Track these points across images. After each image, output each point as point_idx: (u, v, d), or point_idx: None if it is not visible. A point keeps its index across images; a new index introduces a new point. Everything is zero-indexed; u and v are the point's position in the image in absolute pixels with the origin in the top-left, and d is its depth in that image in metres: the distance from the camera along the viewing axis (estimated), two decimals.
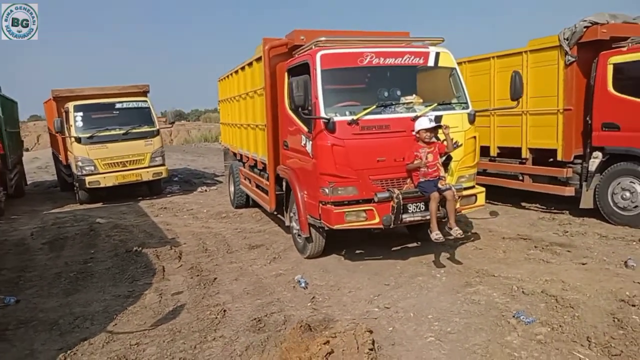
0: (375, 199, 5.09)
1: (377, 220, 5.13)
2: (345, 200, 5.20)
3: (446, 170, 5.48)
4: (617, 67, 6.80)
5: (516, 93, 5.59)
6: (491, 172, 8.94)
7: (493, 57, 8.40)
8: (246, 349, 3.75)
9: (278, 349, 3.67)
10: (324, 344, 3.66)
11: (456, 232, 5.14)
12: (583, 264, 5.38)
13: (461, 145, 5.50)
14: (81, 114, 10.82)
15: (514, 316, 4.09)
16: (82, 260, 6.56)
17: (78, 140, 10.62)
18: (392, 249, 6.32)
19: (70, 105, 10.86)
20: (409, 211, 5.22)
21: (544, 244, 6.20)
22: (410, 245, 6.48)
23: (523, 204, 8.61)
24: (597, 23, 6.79)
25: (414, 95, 5.53)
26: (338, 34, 6.14)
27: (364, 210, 5.12)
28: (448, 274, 5.31)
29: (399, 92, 5.55)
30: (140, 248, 6.84)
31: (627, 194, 6.79)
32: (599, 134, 7.05)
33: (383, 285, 5.08)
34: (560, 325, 3.90)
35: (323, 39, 5.45)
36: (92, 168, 10.73)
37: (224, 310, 4.56)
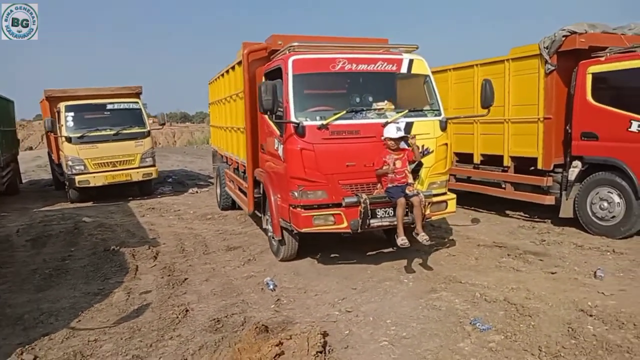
0: (343, 204, 5.13)
1: (345, 224, 5.17)
2: (315, 204, 5.24)
3: (416, 176, 5.52)
4: (596, 77, 6.82)
5: (486, 101, 5.63)
6: (475, 179, 8.99)
7: (477, 65, 8.44)
8: (199, 349, 3.79)
9: (231, 350, 3.71)
10: (276, 345, 3.71)
11: (423, 238, 5.16)
12: (552, 273, 5.39)
13: (432, 152, 5.54)
14: (72, 114, 10.93)
15: (470, 323, 4.11)
16: (60, 257, 6.63)
17: (69, 139, 10.73)
18: (367, 253, 6.35)
19: (62, 106, 10.98)
20: (378, 216, 5.26)
21: (518, 252, 6.20)
22: (385, 250, 6.50)
23: (507, 212, 8.61)
24: (575, 32, 6.81)
25: (385, 102, 5.57)
26: (313, 39, 6.19)
27: (332, 215, 5.16)
28: (416, 279, 5.33)
29: (370, 98, 5.60)
30: (118, 247, 6.91)
31: (605, 204, 6.79)
32: (578, 143, 7.06)
33: (350, 289, 5.11)
34: (514, 334, 3.91)
35: (296, 44, 5.51)
36: (82, 167, 10.83)
37: (187, 310, 4.60)
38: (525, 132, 7.66)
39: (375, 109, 5.47)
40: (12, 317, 4.60)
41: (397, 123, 5.25)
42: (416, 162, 5.39)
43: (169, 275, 5.68)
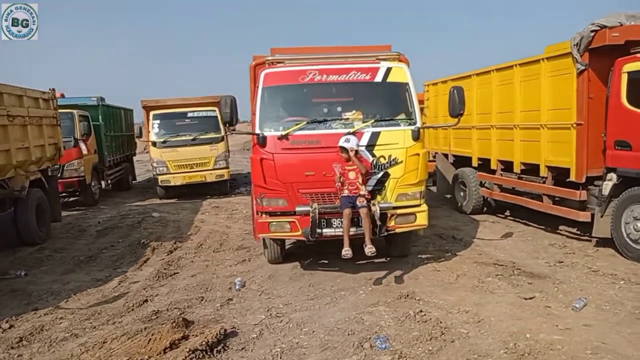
0: (296, 212, 5.29)
1: (299, 232, 5.32)
2: (278, 211, 5.47)
3: (383, 187, 5.41)
4: (632, 77, 5.87)
5: (454, 109, 5.29)
6: (520, 190, 8.25)
7: (516, 65, 7.74)
8: (122, 335, 4.32)
9: (142, 338, 4.18)
10: (180, 339, 4.11)
11: (368, 250, 5.07)
12: (527, 299, 4.88)
13: (401, 162, 5.38)
14: (158, 121, 12.52)
15: (374, 340, 4.02)
16: (104, 247, 7.81)
17: (154, 144, 12.33)
18: (356, 262, 6.34)
19: (150, 114, 12.64)
20: (333, 226, 5.30)
21: (513, 272, 5.68)
22: (377, 260, 6.40)
23: (561, 227, 7.74)
24: (605, 26, 5.94)
25: (353, 112, 5.56)
26: (309, 50, 6.35)
27: (288, 222, 5.34)
28: (372, 292, 5.25)
29: (339, 108, 5.63)
30: (148, 241, 7.88)
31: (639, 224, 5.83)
32: (612, 152, 6.15)
33: (304, 295, 5.24)
34: (404, 357, 3.74)
35: (270, 58, 5.79)
36: (165, 169, 12.36)
37: (145, 301, 5.21)
38: (560, 140, 6.87)
39: (340, 119, 5.50)
40: (26, 292, 5.67)
41: (349, 134, 5.21)
42: (370, 174, 5.29)
43: (165, 269, 6.38)
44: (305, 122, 5.39)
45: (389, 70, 5.62)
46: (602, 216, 6.33)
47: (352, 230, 5.25)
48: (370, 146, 5.35)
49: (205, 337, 4.05)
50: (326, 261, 6.44)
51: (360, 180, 5.18)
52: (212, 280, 5.93)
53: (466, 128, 9.30)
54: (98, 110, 13.28)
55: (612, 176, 6.16)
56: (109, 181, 13.89)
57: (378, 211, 5.17)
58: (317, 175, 5.31)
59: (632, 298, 4.77)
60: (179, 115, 12.73)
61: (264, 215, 5.52)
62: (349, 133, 5.28)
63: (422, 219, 5.45)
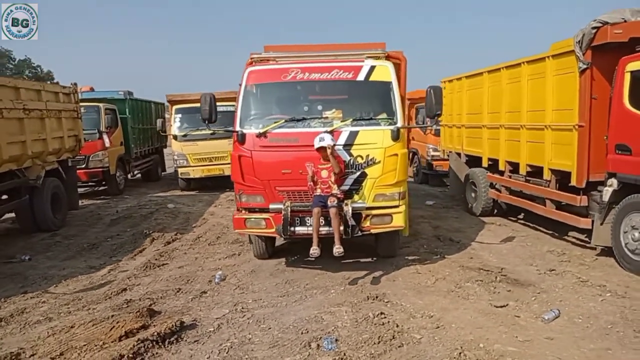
0: (270, 209, 5.33)
1: (274, 229, 5.36)
2: (256, 208, 5.54)
3: (360, 187, 5.36)
4: (636, 76, 5.52)
5: (430, 110, 5.16)
6: (527, 193, 7.94)
7: (524, 63, 7.42)
8: (91, 320, 4.52)
9: (108, 324, 4.36)
10: (139, 327, 4.27)
11: (336, 250, 5.05)
12: (498, 307, 4.72)
13: (378, 162, 5.31)
14: (180, 115, 12.88)
15: (322, 340, 4.01)
16: (110, 236, 8.15)
17: (175, 137, 12.68)
18: (342, 261, 6.32)
19: (173, 108, 13.01)
20: (307, 224, 5.30)
21: (497, 279, 5.49)
22: (363, 260, 6.38)
23: (571, 233, 7.41)
24: (607, 23, 5.59)
25: (333, 110, 5.52)
26: (299, 48, 6.35)
27: (264, 219, 5.40)
28: (343, 292, 5.22)
29: (320, 107, 5.61)
30: (151, 231, 8.16)
31: (637, 234, 5.50)
32: (613, 157, 5.81)
33: (277, 292, 5.29)
34: (348, 359, 3.73)
35: (255, 56, 5.84)
36: (185, 162, 12.72)
37: (124, 289, 5.42)
38: (562, 142, 6.56)
39: (319, 118, 5.48)
40: (23, 276, 6.03)
41: (322, 134, 5.18)
42: (345, 173, 5.24)
43: (156, 260, 6.60)
44: (283, 120, 5.42)
45: (372, 68, 5.54)
46: (601, 223, 6.01)
47: (325, 229, 5.24)
48: (347, 145, 5.31)
49: (159, 328, 4.19)
50: (313, 258, 6.44)
51: (332, 179, 5.16)
52: (197, 272, 6.08)
53: (477, 127, 9.05)
54: (125, 103, 13.79)
55: (613, 182, 5.82)
56: (136, 172, 14.43)
57: (350, 211, 5.14)
58: (293, 173, 5.33)
59: (609, 312, 4.52)
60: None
61: (243, 211, 5.60)
62: (325, 132, 5.25)
63: (398, 220, 5.35)
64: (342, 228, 5.20)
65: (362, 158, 5.30)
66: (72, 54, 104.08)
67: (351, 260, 6.34)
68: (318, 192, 5.19)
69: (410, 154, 15.13)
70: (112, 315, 4.62)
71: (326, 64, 5.61)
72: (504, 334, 4.14)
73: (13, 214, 8.55)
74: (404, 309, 4.72)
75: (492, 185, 8.78)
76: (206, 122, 5.58)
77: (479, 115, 9.00)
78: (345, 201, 5.22)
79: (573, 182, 6.30)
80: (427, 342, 4.00)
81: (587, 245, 6.70)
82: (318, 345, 3.95)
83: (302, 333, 4.21)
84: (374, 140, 5.31)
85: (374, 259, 6.37)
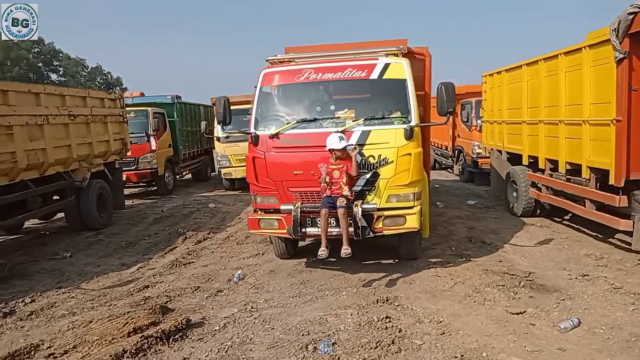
0: (281, 210, 5.35)
1: (286, 230, 5.38)
2: (271, 209, 5.59)
3: (372, 188, 5.26)
4: None
5: (442, 107, 4.95)
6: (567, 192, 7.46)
7: (561, 54, 6.97)
8: (109, 316, 4.75)
9: (122, 319, 4.57)
10: (149, 324, 4.44)
11: (344, 251, 4.98)
12: (514, 314, 4.48)
13: (391, 162, 5.19)
14: None
15: (319, 343, 3.98)
16: (149, 234, 8.53)
17: (218, 139, 13.07)
18: (363, 262, 6.26)
19: (215, 110, 13.40)
20: (318, 225, 5.26)
21: (521, 284, 5.21)
22: (384, 261, 6.27)
23: (618, 235, 6.90)
24: None
25: (345, 110, 5.45)
26: (313, 49, 6.32)
27: (277, 220, 5.43)
28: (355, 293, 5.15)
29: (333, 107, 5.56)
30: (186, 230, 8.46)
31: None
32: None
33: (290, 292, 5.31)
34: None
35: (271, 57, 5.87)
36: (227, 162, 13.07)
37: (147, 287, 5.66)
38: (600, 137, 6.10)
39: (331, 118, 5.44)
40: (62, 272, 6.44)
41: (338, 133, 5.13)
42: (358, 174, 5.16)
43: (183, 258, 6.83)
44: (295, 122, 5.43)
45: (386, 66, 5.43)
46: None
47: (335, 230, 5.19)
48: (359, 145, 5.23)
49: (166, 326, 4.34)
50: (334, 259, 6.41)
51: (344, 180, 5.10)
52: (219, 271, 6.23)
53: (517, 123, 8.62)
54: (173, 107, 14.37)
55: None
56: (184, 173, 15.02)
57: (359, 212, 5.06)
58: (305, 174, 5.32)
59: (637, 323, 4.15)
60: (241, 111, 13.25)
61: (258, 212, 5.67)
62: (336, 132, 5.20)
63: (412, 222, 5.19)
64: (351, 229, 5.13)
65: (374, 158, 5.20)
66: (139, 59, 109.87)
67: (372, 262, 6.26)
68: (328, 193, 5.14)
69: (456, 152, 14.71)
70: (128, 312, 4.82)
71: (339, 63, 5.56)
72: (512, 342, 3.91)
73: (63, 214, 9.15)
74: (413, 313, 4.59)
75: (534, 184, 8.33)
76: (221, 124, 5.69)
77: (518, 110, 8.57)
78: (355, 202, 5.14)
79: (611, 181, 5.83)
80: (427, 348, 3.87)
81: (633, 249, 6.20)
82: (315, 347, 3.93)
83: (302, 335, 4.20)
84: (387, 140, 5.19)
85: (396, 260, 6.24)
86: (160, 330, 4.20)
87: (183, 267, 6.45)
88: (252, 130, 5.59)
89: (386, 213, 5.21)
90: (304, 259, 6.48)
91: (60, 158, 8.12)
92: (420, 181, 5.34)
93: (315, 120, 5.43)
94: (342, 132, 5.20)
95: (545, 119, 7.52)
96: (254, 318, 4.64)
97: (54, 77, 61.78)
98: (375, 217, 5.19)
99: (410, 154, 5.17)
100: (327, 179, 5.11)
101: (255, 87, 5.75)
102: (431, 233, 7.68)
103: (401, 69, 5.40)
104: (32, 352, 4.09)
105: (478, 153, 12.64)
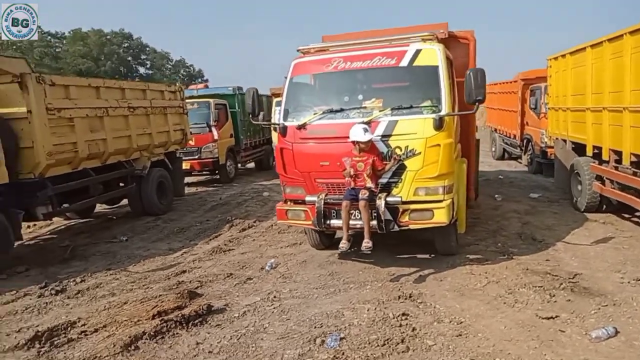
0: (306, 201, 5.34)
1: (311, 221, 5.36)
2: (299, 199, 5.61)
3: (399, 180, 5.09)
4: None
5: (470, 95, 4.64)
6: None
7: (626, 34, 6.26)
8: (142, 298, 5.04)
9: (152, 303, 4.83)
10: (175, 308, 4.67)
11: (364, 245, 4.86)
12: (544, 318, 4.16)
13: (419, 154, 4.98)
14: (279, 108, 13.38)
15: (327, 336, 3.96)
16: (201, 221, 8.90)
17: (275, 129, 13.26)
18: (397, 255, 6.12)
19: (274, 101, 13.63)
20: (351, 217, 5.18)
21: (562, 286, 4.83)
22: (419, 255, 6.09)
23: None
24: None
25: (373, 99, 5.29)
26: (350, 37, 6.19)
27: (303, 211, 5.42)
28: (380, 288, 5.03)
29: (361, 96, 5.41)
30: (232, 218, 8.73)
31: None
32: None
33: (316, 283, 5.31)
34: (343, 359, 3.63)
35: (303, 47, 5.83)
36: None
37: (184, 271, 5.93)
38: None
39: (359, 108, 5.30)
40: (115, 254, 6.92)
41: (362, 125, 4.99)
42: (383, 165, 5.00)
43: (225, 245, 7.06)
44: (321, 112, 5.37)
45: (417, 52, 5.19)
46: None
47: (359, 223, 5.09)
48: (385, 136, 5.07)
49: (188, 310, 4.52)
50: (369, 251, 6.32)
51: (368, 172, 4.98)
52: (255, 259, 6.37)
53: (581, 110, 7.92)
54: (235, 98, 14.80)
55: None
56: (246, 162, 15.50)
57: (382, 205, 4.91)
58: (331, 165, 5.26)
59: None
60: None
61: (288, 203, 5.70)
62: (362, 123, 5.08)
63: (440, 216, 4.96)
64: (374, 222, 5.01)
65: (401, 149, 5.01)
66: (218, 51, 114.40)
67: (407, 256, 6.10)
68: (352, 185, 5.05)
69: (524, 141, 13.83)
70: (160, 295, 5.09)
71: (369, 51, 5.40)
72: (532, 349, 3.64)
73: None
74: (434, 312, 4.41)
75: (599, 177, 7.63)
76: (250, 116, 5.77)
77: (582, 96, 7.85)
78: (379, 194, 5.00)
79: None
80: (438, 350, 3.71)
81: None
82: (322, 341, 3.91)
83: (315, 327, 4.20)
84: (414, 130, 4.99)
85: (432, 256, 6.02)
86: (181, 315, 4.40)
87: (222, 254, 6.67)
88: (280, 120, 5.60)
89: (412, 207, 5.02)
90: (336, 249, 6.43)
91: (121, 148, 8.68)
92: (450, 174, 5.08)
93: (341, 110, 5.33)
94: (368, 123, 5.07)
95: (610, 105, 6.83)
96: (274, 307, 4.70)
97: (141, 70, 66.12)
98: (401, 210, 5.03)
99: (439, 145, 4.93)
100: (352, 172, 5.01)
101: (286, 77, 5.75)
102: (480, 228, 7.38)
103: (433, 55, 5.14)
104: (69, 328, 4.44)
105: (547, 142, 11.80)
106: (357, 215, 5.13)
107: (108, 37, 60.54)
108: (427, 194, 5.05)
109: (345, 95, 5.52)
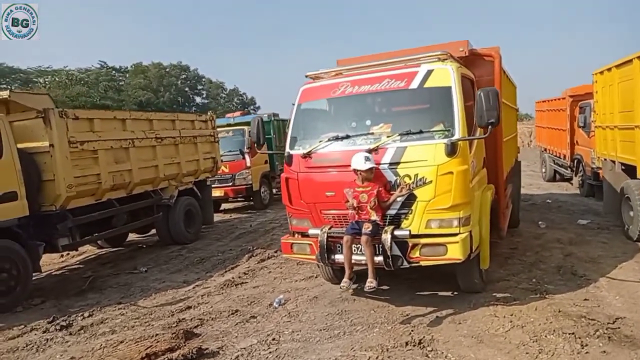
0: (309, 234, 4.99)
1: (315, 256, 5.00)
2: (306, 232, 5.28)
3: (409, 211, 4.65)
4: None
5: (481, 118, 4.18)
6: None
7: None
8: (139, 337, 4.85)
9: (147, 342, 4.63)
10: (167, 349, 4.43)
11: (368, 285, 4.42)
12: None
13: (430, 182, 4.53)
14: None
15: None
16: (224, 250, 8.75)
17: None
18: (417, 292, 5.63)
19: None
20: (354, 252, 4.78)
21: (598, 332, 4.19)
22: (441, 293, 5.56)
23: None
24: None
25: (381, 125, 4.91)
26: (365, 59, 5.86)
27: (308, 244, 5.08)
28: (388, 331, 4.55)
29: (368, 122, 5.04)
30: (254, 247, 8.50)
31: None
32: None
33: (321, 324, 4.92)
34: None
35: (311, 73, 5.58)
36: None
37: (189, 307, 5.71)
38: None
39: (366, 134, 4.95)
40: (130, 287, 6.85)
41: (364, 152, 4.63)
42: (389, 196, 4.59)
43: (239, 278, 6.82)
44: (327, 139, 5.06)
45: (428, 73, 4.80)
46: None
47: (363, 259, 4.68)
48: (393, 164, 4.68)
49: (175, 355, 4.27)
50: (387, 287, 5.88)
51: (372, 204, 4.59)
52: (266, 294, 6.07)
53: (629, 128, 7.16)
54: (270, 125, 14.78)
55: None
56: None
57: (389, 239, 4.49)
58: (337, 196, 4.91)
59: None
60: None
61: (296, 235, 5.39)
62: (368, 150, 4.72)
63: (455, 252, 4.45)
64: (380, 258, 4.58)
65: (410, 178, 4.59)
66: (268, 79, 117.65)
67: (426, 293, 5.59)
68: (357, 217, 4.67)
69: (575, 161, 12.85)
70: (157, 335, 4.88)
71: (377, 74, 5.07)
72: None
73: None
74: None
75: None
76: (255, 145, 5.54)
77: (631, 113, 7.10)
78: (385, 228, 4.59)
79: None
80: None
81: None
82: None
83: None
84: (424, 157, 4.56)
85: (455, 293, 5.48)
86: (168, 359, 4.14)
87: (234, 288, 6.42)
88: (287, 149, 5.34)
89: (423, 241, 4.55)
90: (356, 284, 6.01)
91: (148, 178, 8.75)
92: (466, 204, 4.58)
93: (347, 137, 4.99)
94: (375, 149, 4.70)
95: None
96: (270, 352, 4.36)
97: (198, 99, 68.85)
98: (411, 244, 4.57)
99: (452, 173, 4.47)
100: (355, 204, 4.65)
101: (293, 104, 5.51)
102: (516, 260, 6.75)
103: (446, 75, 4.73)
104: None
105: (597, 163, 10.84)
106: (363, 250, 4.72)
107: (167, 69, 63.70)
108: (440, 227, 4.58)
109: (353, 121, 5.19)
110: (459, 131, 4.55)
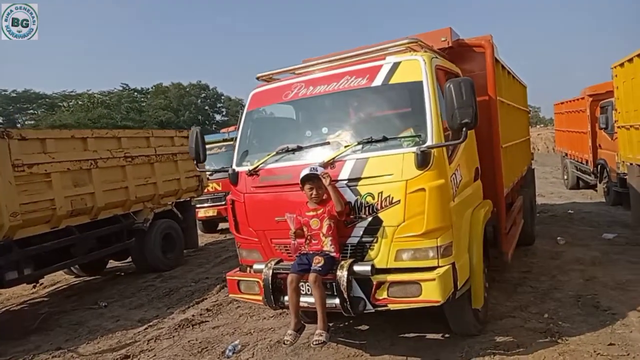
0: (254, 270, 4.06)
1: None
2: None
3: (372, 240, 3.67)
4: None
5: (452, 118, 3.19)
6: None
7: None
8: None
9: None
10: None
11: (317, 338, 3.44)
12: None
13: (397, 202, 3.55)
14: None
15: None
16: (201, 279, 7.86)
17: None
18: (402, 335, 4.62)
19: None
20: (302, 292, 3.82)
21: None
22: (430, 336, 4.54)
23: None
24: None
25: (338, 132, 3.97)
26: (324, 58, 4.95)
27: (256, 282, 4.13)
28: None
29: (325, 130, 4.10)
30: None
31: None
32: None
33: None
34: None
35: (262, 74, 4.67)
36: None
37: (128, 357, 4.81)
38: None
39: (321, 145, 4.00)
40: (80, 326, 6.02)
41: (312, 164, 3.70)
42: (349, 221, 3.62)
43: (200, 315, 5.91)
44: (274, 153, 4.12)
45: (394, 67, 3.86)
46: None
47: (308, 301, 3.71)
48: (352, 180, 3.71)
49: None
50: (366, 327, 4.89)
51: (324, 230, 3.64)
52: (224, 337, 5.14)
53: None
54: None
55: None
56: None
57: (345, 277, 3.51)
58: (287, 222, 3.96)
59: None
60: None
61: (248, 270, 4.45)
62: (322, 165, 3.78)
63: (431, 292, 3.42)
64: (336, 301, 3.60)
65: (374, 197, 3.62)
66: None
67: (412, 335, 4.59)
68: (305, 249, 3.72)
69: (598, 167, 11.61)
70: None
71: (335, 71, 4.14)
72: None
73: None
74: None
75: None
76: (195, 161, 4.63)
77: None
78: (342, 262, 3.61)
79: None
80: None
81: None
82: None
83: None
84: (390, 171, 3.59)
85: (445, 336, 4.45)
86: None
87: (189, 329, 5.50)
88: (233, 165, 4.42)
89: (390, 278, 3.55)
90: (336, 325, 5.04)
91: (116, 201, 7.96)
92: (445, 229, 3.57)
93: (299, 149, 4.05)
94: (328, 163, 3.76)
95: None
96: None
97: (217, 117, 69.17)
98: (376, 283, 3.57)
99: (423, 190, 3.48)
100: (305, 232, 3.70)
101: (241, 111, 4.62)
102: (527, 287, 5.73)
103: (416, 67, 3.77)
104: None
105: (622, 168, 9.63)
106: (308, 292, 3.74)
107: (187, 89, 64.18)
108: (413, 259, 3.58)
109: (308, 129, 4.25)
110: (432, 137, 3.57)
